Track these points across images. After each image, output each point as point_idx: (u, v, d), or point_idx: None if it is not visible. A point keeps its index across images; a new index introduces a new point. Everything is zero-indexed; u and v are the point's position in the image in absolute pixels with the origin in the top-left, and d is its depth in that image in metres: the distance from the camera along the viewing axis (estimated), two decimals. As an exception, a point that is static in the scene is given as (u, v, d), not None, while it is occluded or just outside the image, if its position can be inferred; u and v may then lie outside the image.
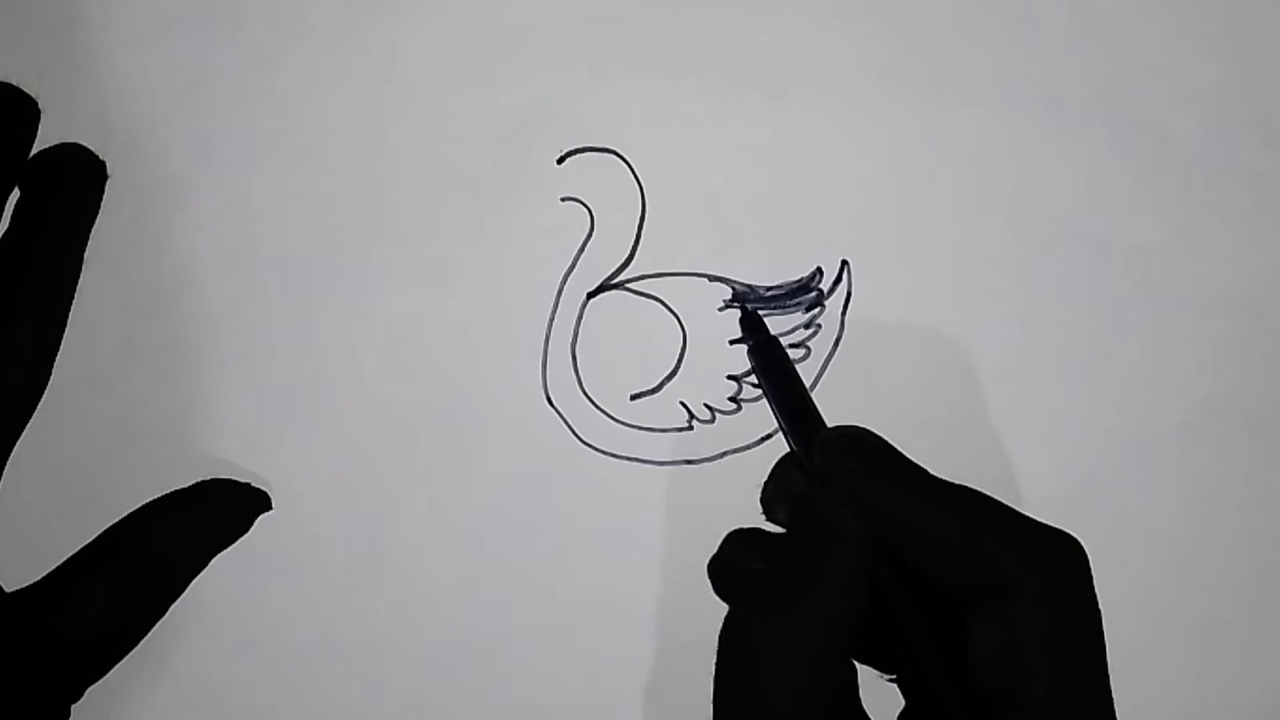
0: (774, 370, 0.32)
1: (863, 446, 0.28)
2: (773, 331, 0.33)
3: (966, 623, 0.26)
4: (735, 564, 0.29)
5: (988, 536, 0.26)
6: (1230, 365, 0.35)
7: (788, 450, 0.30)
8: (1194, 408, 0.35)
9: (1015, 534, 0.26)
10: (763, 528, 0.29)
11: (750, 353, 0.33)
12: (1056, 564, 0.25)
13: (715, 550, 0.29)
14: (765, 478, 0.30)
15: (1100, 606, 0.26)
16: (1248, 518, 0.35)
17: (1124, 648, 0.26)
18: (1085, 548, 0.26)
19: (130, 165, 0.34)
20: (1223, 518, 0.35)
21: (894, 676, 0.28)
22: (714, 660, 0.26)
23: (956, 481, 0.27)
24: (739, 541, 0.29)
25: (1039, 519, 0.26)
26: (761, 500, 0.30)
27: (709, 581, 0.29)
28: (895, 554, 0.26)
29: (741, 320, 0.34)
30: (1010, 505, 0.26)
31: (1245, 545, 0.35)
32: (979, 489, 0.27)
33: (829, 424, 0.30)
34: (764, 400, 0.35)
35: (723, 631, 0.26)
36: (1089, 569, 0.26)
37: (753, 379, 0.35)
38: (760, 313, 0.34)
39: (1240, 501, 0.35)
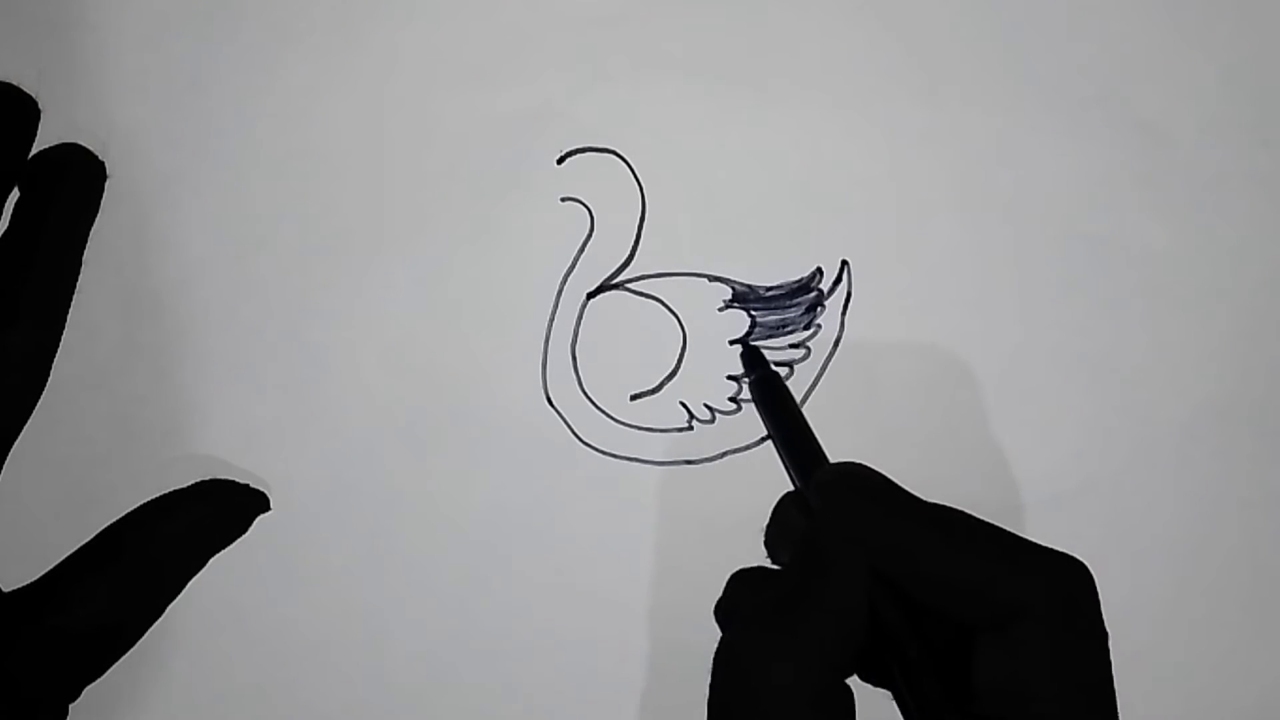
0: (776, 406, 0.32)
1: (861, 480, 0.28)
2: (772, 332, 0.33)
3: (971, 646, 0.26)
4: (738, 601, 0.28)
5: (991, 564, 0.25)
6: (1230, 365, 0.35)
7: (789, 490, 0.30)
8: (1194, 408, 0.35)
9: (1020, 560, 0.26)
10: (765, 565, 0.29)
11: (752, 387, 0.33)
12: (1062, 589, 0.25)
13: (720, 596, 0.29)
14: (767, 520, 0.30)
15: (1106, 628, 0.25)
16: (1248, 518, 0.35)
17: (1124, 648, 0.26)
18: (1090, 567, 0.26)
19: (130, 165, 0.34)
20: (1223, 518, 0.35)
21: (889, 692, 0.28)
22: (711, 663, 0.26)
23: (955, 503, 0.27)
24: (742, 580, 0.29)
25: (1040, 541, 0.26)
26: (765, 543, 0.30)
27: (705, 586, 0.29)
28: (897, 583, 0.26)
29: (743, 355, 0.34)
30: (1011, 530, 0.26)
31: (1245, 546, 0.35)
32: (973, 512, 0.27)
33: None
34: (764, 400, 0.35)
35: (718, 655, 0.26)
36: (1095, 593, 0.26)
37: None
38: (760, 312, 0.34)
39: (1240, 502, 0.35)
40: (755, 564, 0.33)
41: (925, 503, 0.27)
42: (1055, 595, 0.25)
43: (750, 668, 0.25)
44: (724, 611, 0.29)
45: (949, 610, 0.26)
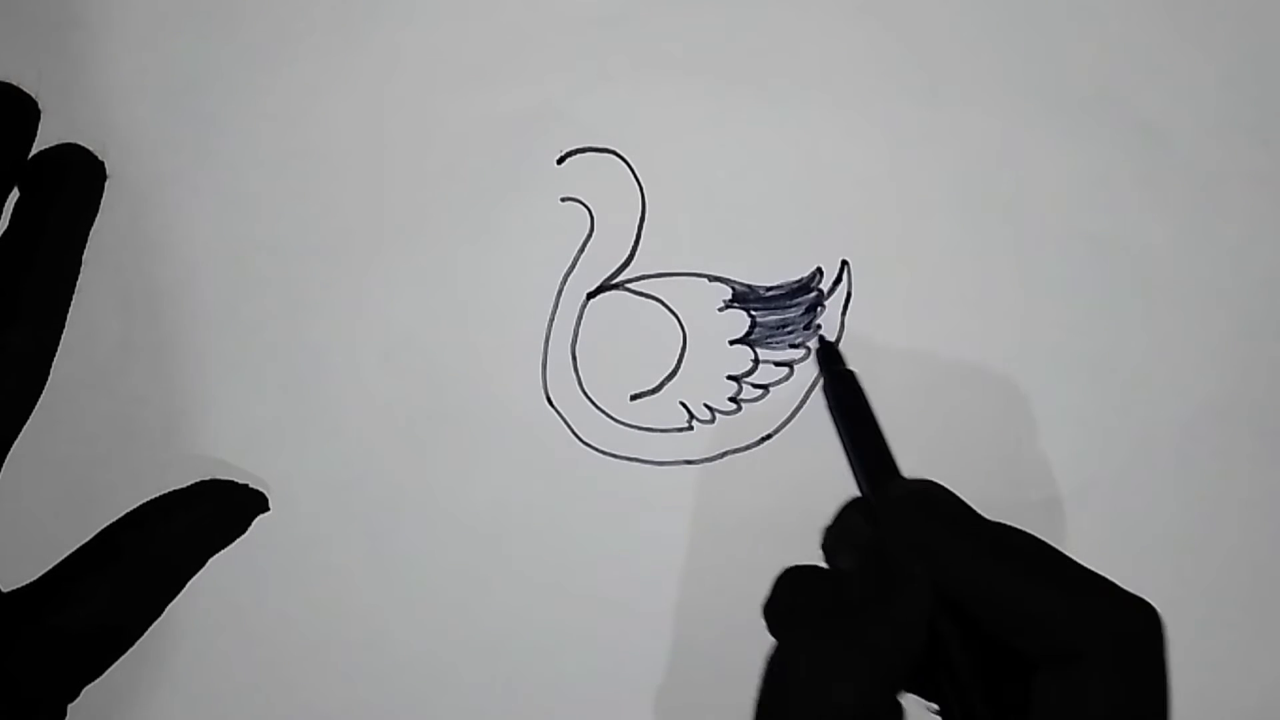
0: (851, 408, 0.31)
1: (934, 500, 0.27)
2: (772, 332, 0.33)
3: (1031, 676, 0.25)
4: (793, 601, 0.28)
5: (1063, 600, 0.25)
6: (1231, 365, 0.35)
7: (855, 496, 0.30)
8: (1194, 408, 0.35)
9: (1092, 599, 0.25)
10: (818, 565, 0.29)
11: (826, 386, 0.33)
12: (1132, 634, 0.25)
13: (769, 594, 0.28)
14: (829, 522, 0.30)
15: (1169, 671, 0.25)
16: (1248, 518, 0.35)
17: (1124, 647, 0.26)
18: (1090, 567, 0.26)
19: (130, 165, 0.34)
20: (1223, 518, 0.35)
21: (937, 708, 0.28)
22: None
23: (1012, 524, 0.27)
24: (795, 579, 0.28)
25: (1113, 580, 0.26)
26: (823, 545, 0.30)
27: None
28: (961, 607, 0.26)
29: (818, 352, 0.34)
30: (1084, 565, 0.26)
31: (1245, 545, 0.35)
32: (1050, 542, 0.26)
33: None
34: (764, 400, 0.35)
35: (774, 660, 0.25)
36: (1164, 640, 0.25)
37: (753, 379, 0.35)
38: (760, 312, 0.34)
39: (1240, 501, 0.35)
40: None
41: (998, 526, 0.27)
42: (1126, 641, 0.24)
43: (808, 678, 0.25)
44: (776, 612, 0.28)
45: (1011, 638, 0.25)
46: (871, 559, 0.27)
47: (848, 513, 0.30)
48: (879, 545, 0.27)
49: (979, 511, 0.27)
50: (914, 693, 0.28)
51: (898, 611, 0.25)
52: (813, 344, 0.35)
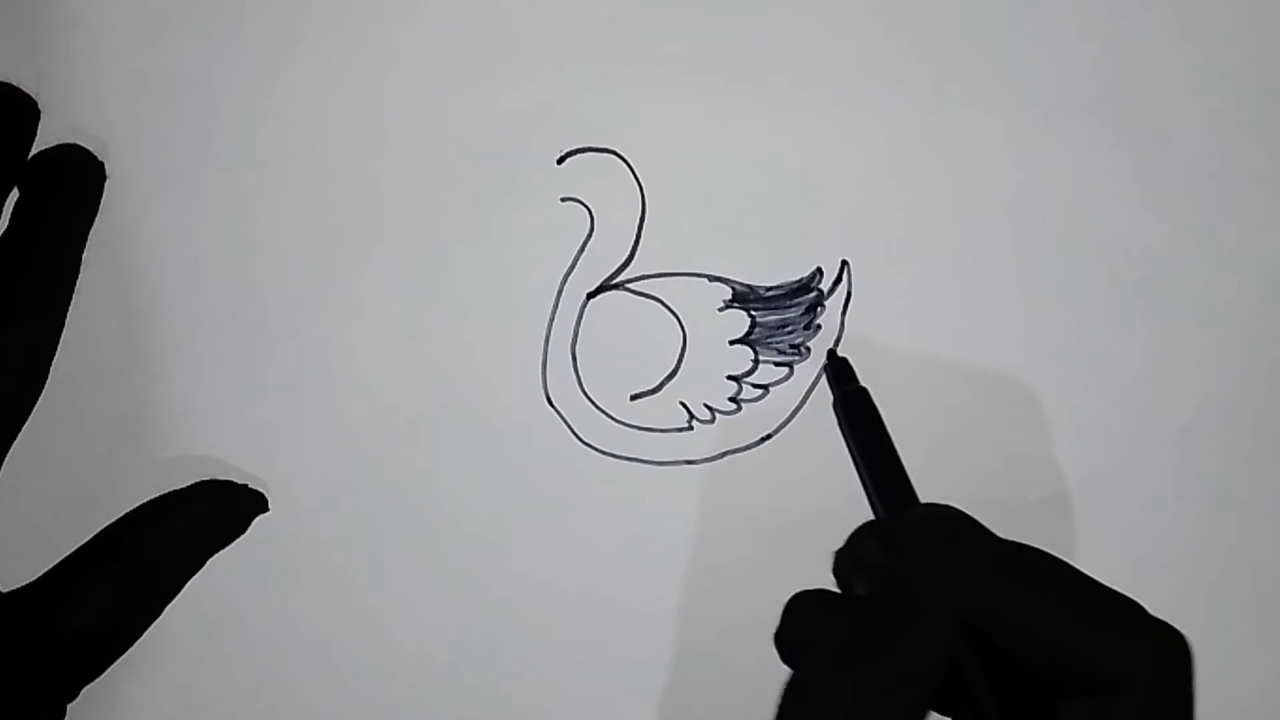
0: (866, 428, 0.31)
1: (954, 526, 0.27)
2: (772, 332, 0.33)
3: (1055, 708, 0.25)
4: (808, 629, 0.27)
5: (1089, 629, 0.24)
6: (1231, 365, 0.35)
7: (866, 520, 0.29)
8: (1194, 408, 0.35)
9: (1121, 629, 0.24)
10: (828, 590, 0.28)
11: (838, 404, 0.32)
12: (1162, 666, 0.24)
13: (780, 621, 0.28)
14: (840, 546, 0.29)
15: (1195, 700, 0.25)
16: (1248, 518, 0.35)
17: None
18: (1090, 567, 0.25)
19: (130, 165, 0.34)
20: (1223, 518, 0.35)
21: None
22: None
23: (955, 503, 0.26)
24: (808, 606, 0.28)
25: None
26: (835, 570, 0.29)
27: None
28: (984, 635, 0.25)
29: (827, 368, 0.33)
30: (1113, 588, 0.25)
31: (1245, 545, 0.35)
32: (975, 512, 0.26)
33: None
34: (764, 400, 0.35)
35: (790, 691, 0.25)
36: (1192, 670, 0.24)
37: (753, 379, 0.35)
38: (760, 312, 0.34)
39: (1240, 502, 0.35)
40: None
41: (1021, 551, 0.26)
42: (1156, 673, 0.24)
43: (831, 710, 0.24)
44: (789, 640, 0.28)
45: (1036, 667, 0.25)
46: (890, 587, 0.26)
47: (861, 536, 0.28)
48: (898, 573, 0.26)
49: (976, 509, 0.27)
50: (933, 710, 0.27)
51: (921, 643, 0.25)
52: (813, 349, 0.35)
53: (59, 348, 0.31)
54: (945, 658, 0.25)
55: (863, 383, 0.33)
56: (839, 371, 0.33)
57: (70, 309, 0.31)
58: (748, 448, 0.34)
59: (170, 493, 0.32)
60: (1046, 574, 0.26)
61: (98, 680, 0.29)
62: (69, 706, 0.29)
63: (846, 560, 0.29)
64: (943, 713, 0.27)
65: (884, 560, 0.28)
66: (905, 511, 0.29)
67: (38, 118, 0.32)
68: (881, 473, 0.30)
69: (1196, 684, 0.25)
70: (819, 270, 0.35)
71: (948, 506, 0.28)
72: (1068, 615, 0.24)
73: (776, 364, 0.35)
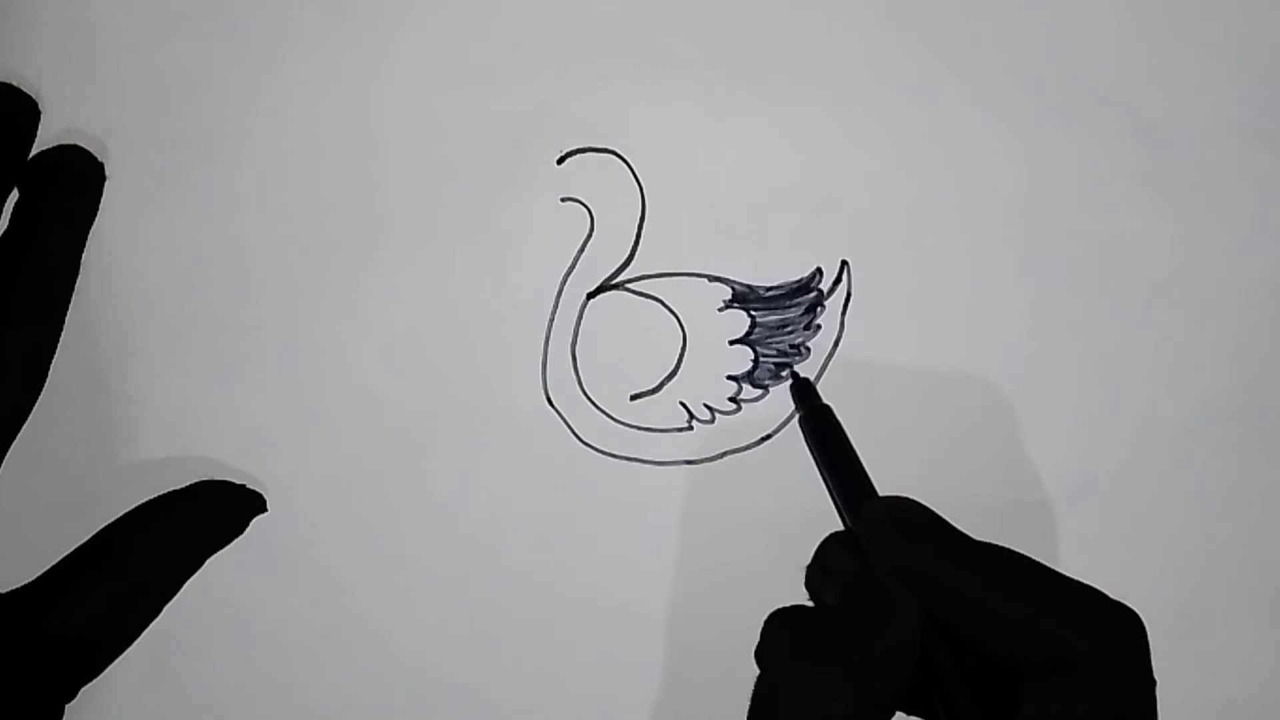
0: (827, 442, 0.31)
1: (910, 519, 0.27)
2: (772, 332, 0.33)
3: (1019, 692, 0.25)
4: (781, 639, 0.28)
5: (1045, 611, 0.25)
6: (1231, 365, 0.35)
7: (834, 531, 0.30)
8: (1194, 408, 0.35)
9: (1074, 609, 0.25)
10: (803, 604, 0.29)
11: (802, 421, 0.33)
12: (1117, 642, 0.25)
13: (757, 642, 0.28)
14: (809, 560, 0.29)
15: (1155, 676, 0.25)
16: (1248, 518, 0.35)
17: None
18: (1090, 567, 0.26)
19: (130, 165, 0.34)
20: (1223, 518, 0.35)
21: None
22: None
23: (956, 503, 0.27)
24: (781, 621, 0.28)
25: (1041, 541, 0.26)
26: (806, 582, 0.29)
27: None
28: (946, 626, 0.26)
29: (792, 387, 0.34)
30: (1063, 573, 0.26)
31: (1245, 545, 0.35)
32: (975, 512, 0.26)
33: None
34: (764, 400, 0.35)
35: (760, 689, 0.25)
36: (1147, 645, 0.25)
37: (753, 379, 0.35)
38: (760, 312, 0.34)
39: (1240, 501, 0.35)
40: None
41: (976, 542, 0.27)
42: (1110, 648, 0.25)
43: (800, 706, 0.24)
44: (766, 654, 0.28)
45: (998, 653, 0.25)
46: (858, 588, 0.27)
47: (826, 548, 0.29)
48: (862, 574, 0.27)
49: (975, 509, 0.27)
50: (905, 711, 0.28)
51: (890, 635, 0.25)
52: (813, 350, 0.35)
53: (59, 348, 0.31)
54: (912, 652, 0.25)
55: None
56: (803, 391, 0.33)
57: (70, 309, 0.31)
58: (748, 448, 0.34)
59: (168, 493, 0.32)
60: (1003, 562, 0.26)
61: (96, 680, 0.29)
62: (67, 707, 0.29)
63: (816, 571, 0.29)
64: (915, 713, 0.27)
65: (850, 565, 0.28)
66: (863, 502, 0.29)
67: (38, 118, 0.32)
68: (845, 483, 0.31)
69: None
70: (819, 270, 0.35)
71: (904, 498, 0.28)
72: (1025, 599, 0.25)
73: (777, 364, 0.35)
